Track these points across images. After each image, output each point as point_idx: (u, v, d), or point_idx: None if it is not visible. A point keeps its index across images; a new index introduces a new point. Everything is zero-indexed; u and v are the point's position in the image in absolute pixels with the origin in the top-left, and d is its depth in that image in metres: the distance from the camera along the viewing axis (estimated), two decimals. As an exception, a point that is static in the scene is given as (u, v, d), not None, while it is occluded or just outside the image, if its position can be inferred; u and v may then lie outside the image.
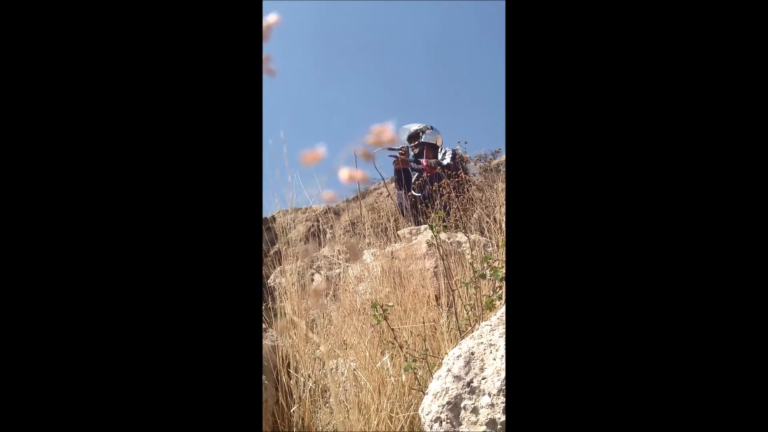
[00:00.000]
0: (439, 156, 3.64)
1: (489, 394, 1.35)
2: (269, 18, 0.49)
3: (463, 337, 1.71)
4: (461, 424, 1.40)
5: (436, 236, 1.94)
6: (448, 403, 1.47)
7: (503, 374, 1.26)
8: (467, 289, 1.83)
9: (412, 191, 3.51)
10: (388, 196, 3.93)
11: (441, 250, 2.00)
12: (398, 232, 2.75)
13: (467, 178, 3.07)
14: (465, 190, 2.83)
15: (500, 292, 1.73)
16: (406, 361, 1.65)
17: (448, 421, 1.43)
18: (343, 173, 0.44)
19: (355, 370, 1.80)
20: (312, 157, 0.44)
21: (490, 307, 1.65)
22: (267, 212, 3.55)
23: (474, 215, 2.79)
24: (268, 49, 0.50)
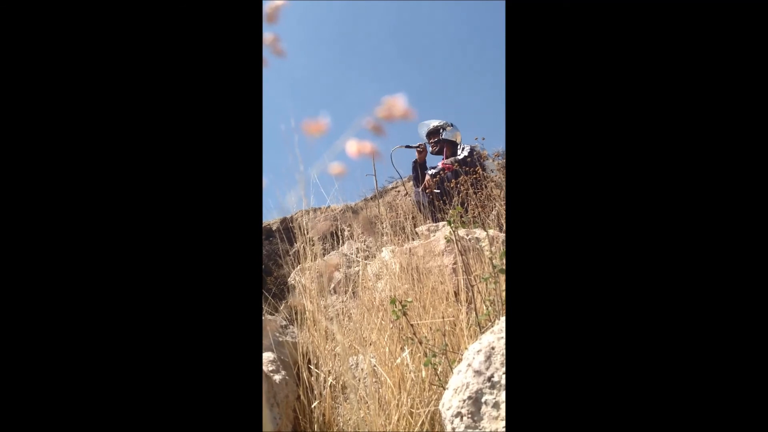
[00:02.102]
0: (458, 153, 3.61)
1: (510, 389, 1.33)
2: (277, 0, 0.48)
3: (483, 332, 1.68)
4: (482, 419, 1.38)
5: (454, 232, 1.92)
6: (469, 398, 1.45)
7: (524, 368, 1.24)
8: (486, 284, 1.81)
9: (430, 188, 3.49)
10: (406, 194, 3.92)
11: (459, 246, 1.98)
12: (416, 229, 2.73)
13: (485, 174, 3.04)
14: (483, 186, 2.81)
15: (520, 286, 1.71)
16: (426, 356, 1.63)
17: (469, 415, 1.41)
18: (351, 146, 0.42)
19: (374, 366, 1.79)
20: (316, 127, 0.42)
21: (510, 301, 1.62)
22: (287, 212, 3.57)
23: (493, 212, 2.76)
24: (277, 30, 0.49)
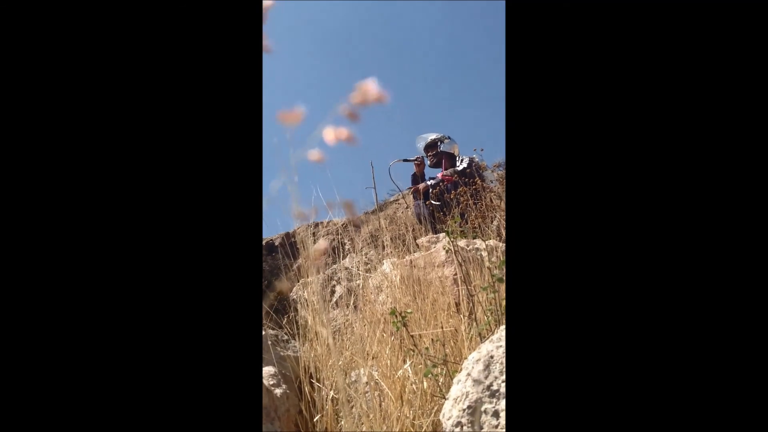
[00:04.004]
0: (457, 165, 3.64)
1: (508, 396, 1.34)
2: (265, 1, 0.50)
3: (482, 341, 1.70)
4: (482, 428, 1.39)
5: (452, 242, 1.95)
6: (469, 407, 1.46)
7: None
8: (486, 293, 1.83)
9: (430, 200, 3.52)
10: (407, 207, 3.95)
11: (459, 257, 2.01)
12: (417, 240, 2.75)
13: (484, 185, 3.07)
14: (482, 197, 2.83)
15: (518, 295, 1.72)
16: (426, 366, 1.65)
17: (469, 425, 1.42)
18: (328, 133, 0.43)
19: (376, 379, 1.80)
20: (291, 117, 0.42)
21: (509, 310, 1.64)
22: (288, 227, 3.60)
23: (494, 222, 2.78)
24: (265, 29, 0.51)
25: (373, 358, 1.94)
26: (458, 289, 2.10)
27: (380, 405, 1.73)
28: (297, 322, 2.39)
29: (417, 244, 2.71)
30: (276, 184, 0.48)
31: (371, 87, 0.43)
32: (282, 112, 0.45)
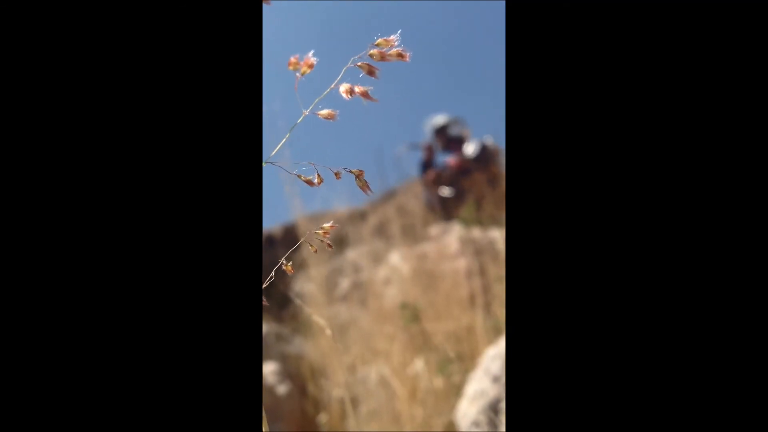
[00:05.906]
0: (468, 149, 3.60)
1: (530, 393, 1.32)
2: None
3: (500, 336, 1.68)
4: (501, 426, 1.37)
5: (467, 231, 1.92)
6: (487, 405, 1.45)
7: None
8: (503, 285, 1.81)
9: (442, 187, 3.48)
10: (416, 195, 3.92)
11: (473, 247, 1.98)
12: (428, 229, 2.73)
13: (499, 171, 3.04)
14: (498, 184, 2.80)
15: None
16: (440, 364, 1.63)
17: (488, 424, 1.40)
18: (344, 87, 0.43)
19: (386, 378, 1.79)
20: (302, 63, 0.42)
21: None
22: (289, 218, 3.58)
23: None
24: None
25: (380, 354, 1.92)
26: (472, 282, 2.07)
27: (389, 403, 1.71)
28: (300, 318, 2.38)
29: (427, 234, 2.69)
30: (277, 151, 0.46)
31: (392, 43, 0.42)
32: (291, 60, 0.43)
